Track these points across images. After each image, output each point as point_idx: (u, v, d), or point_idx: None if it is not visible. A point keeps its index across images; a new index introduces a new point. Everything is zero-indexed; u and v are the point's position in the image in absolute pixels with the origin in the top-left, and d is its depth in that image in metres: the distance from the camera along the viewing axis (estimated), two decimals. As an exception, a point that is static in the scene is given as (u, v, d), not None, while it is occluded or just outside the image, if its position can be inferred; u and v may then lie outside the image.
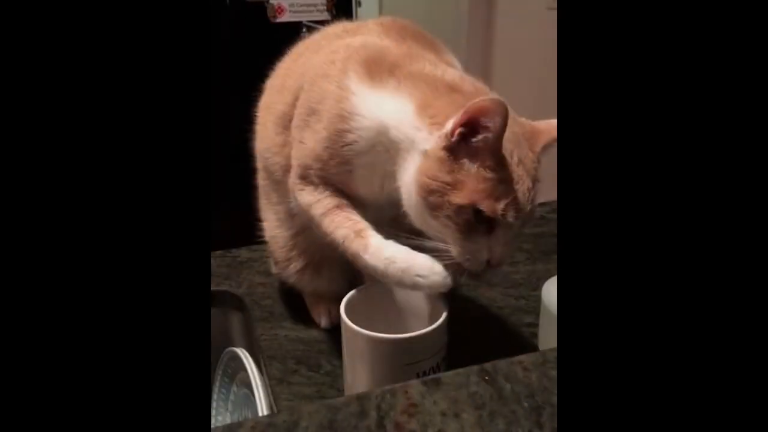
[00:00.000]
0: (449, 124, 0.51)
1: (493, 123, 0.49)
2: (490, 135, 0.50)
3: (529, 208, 0.53)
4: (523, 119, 0.58)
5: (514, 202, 0.52)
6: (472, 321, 0.76)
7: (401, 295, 0.60)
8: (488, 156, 0.51)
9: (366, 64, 0.57)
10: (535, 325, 0.75)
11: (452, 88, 0.55)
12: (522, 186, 0.52)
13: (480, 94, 0.54)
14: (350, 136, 0.56)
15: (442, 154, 0.51)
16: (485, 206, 0.51)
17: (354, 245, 0.57)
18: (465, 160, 0.51)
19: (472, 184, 0.51)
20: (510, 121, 0.51)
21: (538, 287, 0.84)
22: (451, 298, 0.59)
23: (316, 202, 0.60)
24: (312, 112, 0.59)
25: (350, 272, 0.73)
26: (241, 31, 2.33)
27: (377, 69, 0.57)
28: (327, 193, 0.59)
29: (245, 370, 0.72)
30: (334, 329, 0.72)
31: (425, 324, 0.55)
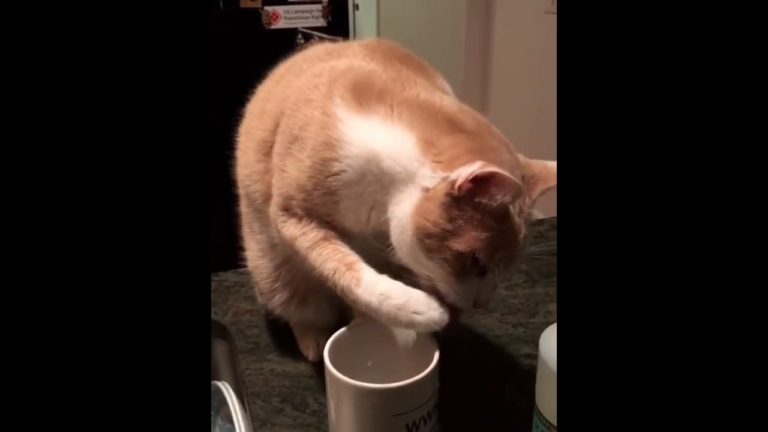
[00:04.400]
0: (457, 175, 0.48)
1: (503, 197, 0.48)
2: (496, 204, 0.48)
3: (521, 252, 0.53)
4: (522, 159, 0.55)
5: (511, 252, 0.51)
6: (466, 352, 0.73)
7: (390, 333, 0.57)
8: (491, 214, 0.49)
9: (353, 89, 0.54)
10: (534, 356, 0.71)
11: (453, 123, 0.52)
12: (519, 236, 0.51)
13: (482, 132, 0.53)
14: (337, 165, 0.53)
15: (445, 200, 0.49)
16: (483, 255, 0.50)
17: (344, 279, 0.54)
18: (468, 209, 0.49)
19: (473, 232, 0.49)
20: (509, 162, 0.51)
21: (537, 313, 0.81)
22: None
23: (301, 235, 0.56)
24: (294, 140, 0.56)
25: (339, 302, 0.69)
26: (235, 37, 2.29)
27: (366, 95, 0.54)
28: (312, 225, 0.56)
29: (228, 406, 0.68)
30: (323, 362, 0.69)
31: (416, 364, 0.52)
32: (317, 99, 0.55)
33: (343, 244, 0.56)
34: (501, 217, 0.49)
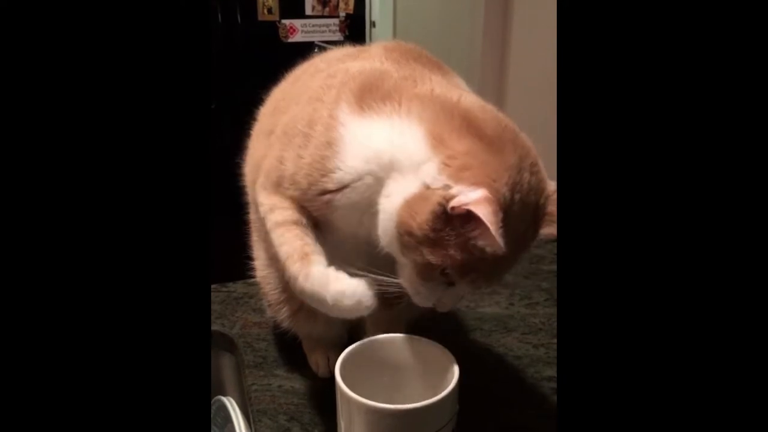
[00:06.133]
0: (457, 192, 0.45)
1: (483, 245, 0.45)
2: (479, 249, 0.45)
3: (500, 279, 0.51)
4: (546, 181, 0.50)
5: (488, 276, 0.49)
6: (485, 373, 0.69)
7: (405, 349, 0.53)
8: (476, 245, 0.45)
9: (359, 92, 0.52)
10: (557, 380, 0.67)
11: (471, 123, 0.48)
12: (503, 263, 0.49)
13: (503, 142, 0.48)
14: (331, 163, 0.51)
15: (438, 208, 0.45)
16: (454, 272, 0.47)
17: (294, 267, 0.52)
18: (456, 228, 0.45)
19: (451, 250, 0.46)
20: (527, 185, 0.47)
21: (558, 333, 0.77)
22: (463, 345, 0.53)
23: (279, 209, 0.55)
24: (298, 134, 0.54)
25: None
26: (253, 50, 2.30)
27: (370, 97, 0.51)
28: (290, 203, 0.54)
29: (233, 422, 0.65)
30: (333, 379, 0.65)
31: (433, 383, 0.49)
32: (327, 100, 0.53)
33: (310, 233, 0.54)
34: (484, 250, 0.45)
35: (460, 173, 0.46)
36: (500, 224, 0.43)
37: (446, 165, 0.46)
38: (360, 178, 0.50)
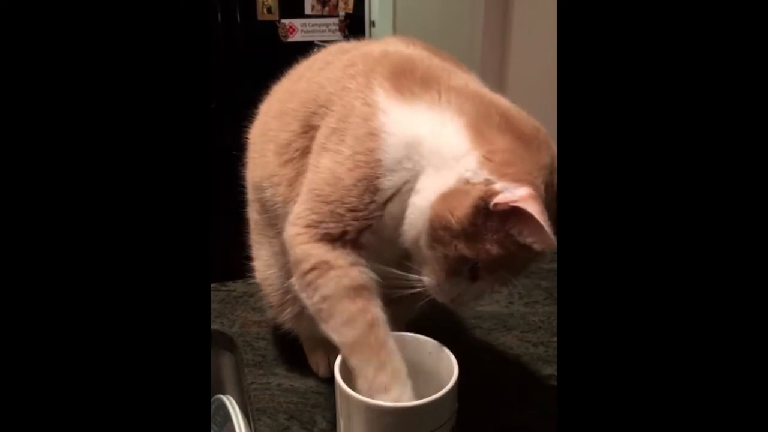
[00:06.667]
0: (502, 188, 0.45)
1: (531, 243, 0.45)
2: (522, 242, 0.46)
3: (520, 276, 0.51)
4: None
5: (515, 273, 0.49)
6: (485, 372, 0.69)
7: (405, 349, 0.53)
8: (515, 242, 0.46)
9: (393, 76, 0.51)
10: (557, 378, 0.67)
11: (508, 120, 0.49)
12: (530, 261, 0.49)
13: (539, 142, 0.48)
14: (377, 154, 0.49)
15: (479, 203, 0.45)
16: (484, 266, 0.47)
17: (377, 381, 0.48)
18: (495, 224, 0.46)
19: (488, 245, 0.46)
20: (556, 187, 0.47)
21: (558, 332, 0.77)
22: (462, 344, 0.53)
23: (338, 268, 0.50)
24: (332, 132, 0.52)
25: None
26: (253, 50, 2.30)
27: (407, 81, 0.50)
28: (351, 257, 0.50)
29: (232, 421, 0.65)
30: (333, 377, 0.65)
31: (433, 383, 0.49)
32: (355, 88, 0.52)
33: (382, 310, 0.50)
34: (524, 246, 0.46)
35: (502, 168, 0.46)
36: (549, 221, 0.43)
37: (487, 159, 0.46)
38: (399, 162, 0.49)
